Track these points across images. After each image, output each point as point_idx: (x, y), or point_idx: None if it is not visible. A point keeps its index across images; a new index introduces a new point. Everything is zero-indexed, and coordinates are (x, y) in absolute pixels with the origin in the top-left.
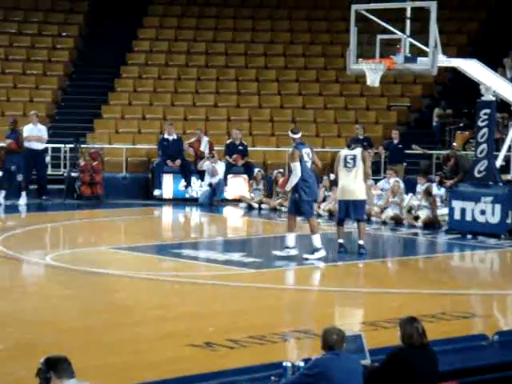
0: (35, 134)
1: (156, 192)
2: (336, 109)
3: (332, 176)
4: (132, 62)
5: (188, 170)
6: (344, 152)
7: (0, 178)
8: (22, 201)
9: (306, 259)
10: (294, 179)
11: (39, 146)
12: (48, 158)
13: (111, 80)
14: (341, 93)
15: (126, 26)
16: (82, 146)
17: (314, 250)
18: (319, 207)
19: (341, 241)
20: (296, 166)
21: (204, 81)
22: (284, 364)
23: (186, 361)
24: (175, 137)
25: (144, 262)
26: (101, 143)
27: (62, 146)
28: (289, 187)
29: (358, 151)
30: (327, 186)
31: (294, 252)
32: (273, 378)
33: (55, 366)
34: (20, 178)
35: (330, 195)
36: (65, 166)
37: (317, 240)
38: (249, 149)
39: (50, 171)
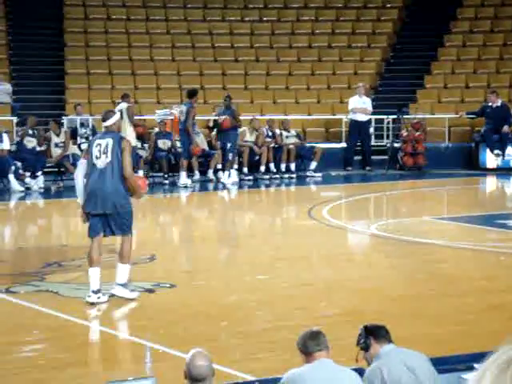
0: (360, 105)
1: (481, 161)
2: None
3: None
4: (456, 30)
5: (507, 139)
6: None
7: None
8: (229, 179)
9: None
10: None
11: (364, 118)
12: (372, 129)
13: (434, 49)
14: None
15: None
16: (405, 116)
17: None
18: None
19: None
20: None
21: None
22: None
23: None
24: (499, 104)
25: (467, 233)
26: (423, 113)
27: (385, 117)
28: None
29: None
30: None
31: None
32: None
33: (374, 331)
34: (230, 156)
35: None
36: (388, 137)
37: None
38: None
39: (373, 142)
